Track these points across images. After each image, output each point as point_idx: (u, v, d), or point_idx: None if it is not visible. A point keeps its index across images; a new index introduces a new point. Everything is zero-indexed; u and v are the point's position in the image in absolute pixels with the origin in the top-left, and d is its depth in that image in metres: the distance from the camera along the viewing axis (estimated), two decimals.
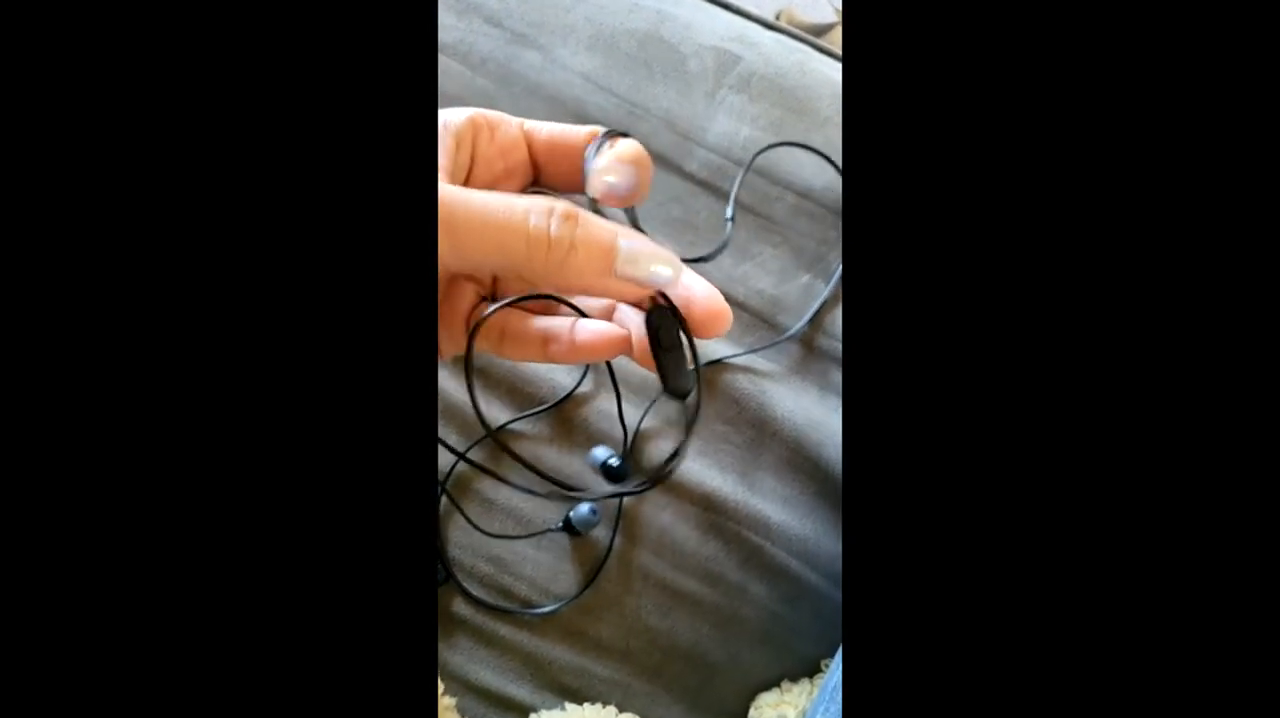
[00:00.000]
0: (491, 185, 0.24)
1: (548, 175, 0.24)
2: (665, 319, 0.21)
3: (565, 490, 0.23)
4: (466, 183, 0.23)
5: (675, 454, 0.23)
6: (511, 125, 0.24)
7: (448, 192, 0.19)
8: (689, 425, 0.22)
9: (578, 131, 0.24)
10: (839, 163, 0.50)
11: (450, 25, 0.50)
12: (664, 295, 0.21)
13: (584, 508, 0.45)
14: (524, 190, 0.25)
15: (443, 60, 0.50)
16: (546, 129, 0.24)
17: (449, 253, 0.19)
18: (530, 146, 0.24)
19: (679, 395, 0.21)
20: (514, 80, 0.50)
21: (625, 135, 0.23)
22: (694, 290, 0.22)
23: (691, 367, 0.21)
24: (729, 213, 0.47)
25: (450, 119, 0.23)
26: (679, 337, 0.21)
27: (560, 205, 0.19)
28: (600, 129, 0.24)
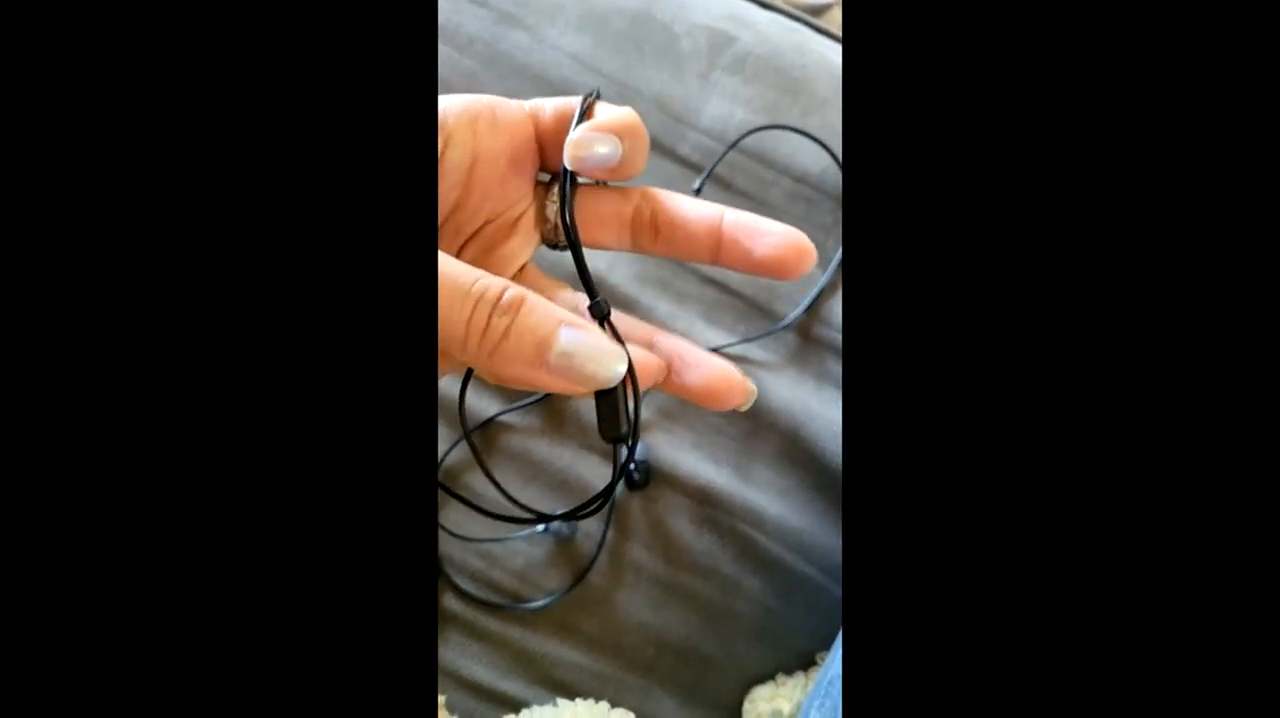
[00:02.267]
0: (500, 182, 0.22)
1: (557, 160, 0.22)
2: None
3: (523, 514, 0.23)
4: (469, 182, 0.22)
5: (606, 492, 0.22)
6: (512, 108, 0.22)
7: None
8: (618, 471, 0.21)
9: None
10: (828, 145, 0.48)
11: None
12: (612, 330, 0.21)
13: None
14: (535, 175, 0.23)
15: None
16: (552, 107, 0.22)
17: None
18: (537, 128, 0.22)
19: (612, 440, 0.20)
20: (501, 61, 0.48)
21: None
22: (700, 362, 0.22)
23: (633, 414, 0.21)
24: (696, 184, 0.46)
25: (445, 113, 0.21)
26: (619, 389, 0.20)
27: (510, 293, 0.18)
28: (591, 93, 0.22)
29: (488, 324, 0.18)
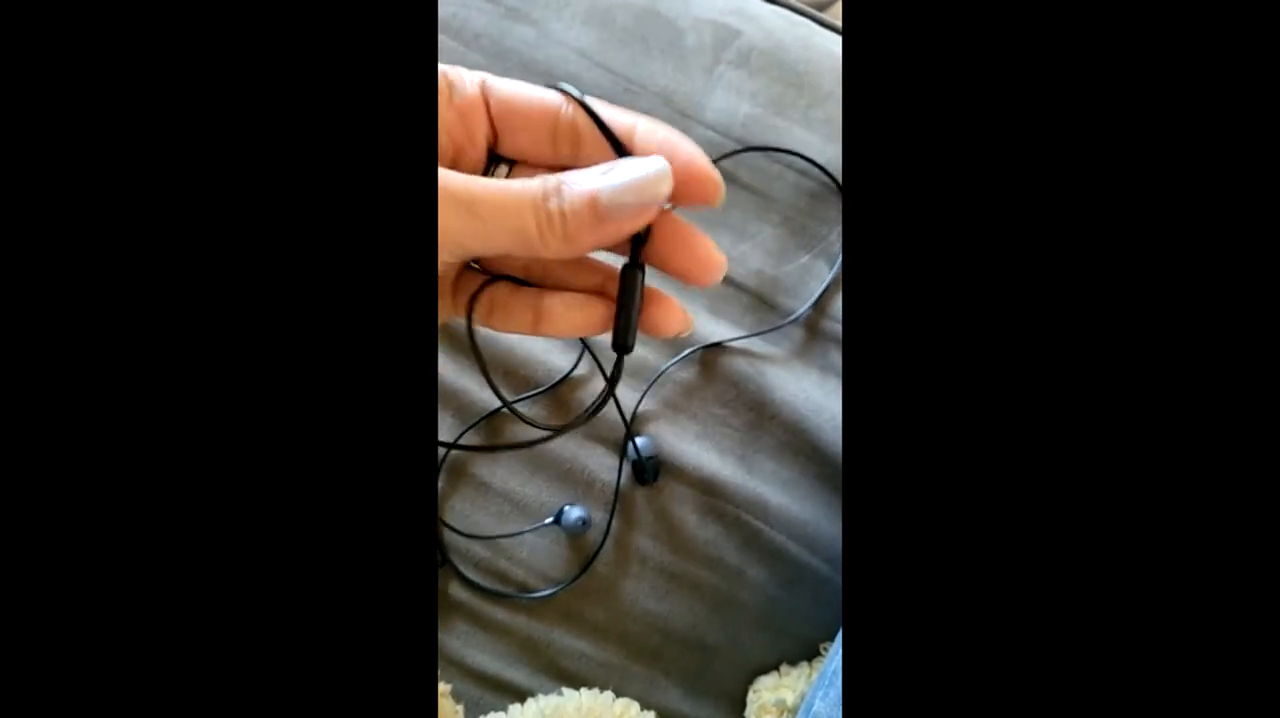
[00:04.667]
0: (454, 158, 0.22)
1: (505, 143, 0.23)
2: (631, 276, 0.22)
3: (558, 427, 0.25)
4: None
5: (605, 395, 0.24)
6: (468, 84, 0.22)
7: (473, 182, 0.20)
8: (612, 378, 0.24)
9: (540, 95, 0.22)
10: (815, 160, 0.48)
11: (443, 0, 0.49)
12: (638, 251, 0.22)
13: (573, 515, 0.44)
14: (485, 158, 0.23)
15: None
16: (504, 90, 0.22)
17: (475, 238, 0.20)
18: (487, 107, 0.22)
19: (624, 350, 0.23)
20: (507, 56, 0.49)
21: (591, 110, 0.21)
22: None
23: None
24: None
25: None
26: (639, 297, 0.22)
27: (550, 181, 0.20)
28: (568, 92, 0.21)
29: (548, 214, 0.20)
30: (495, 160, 0.23)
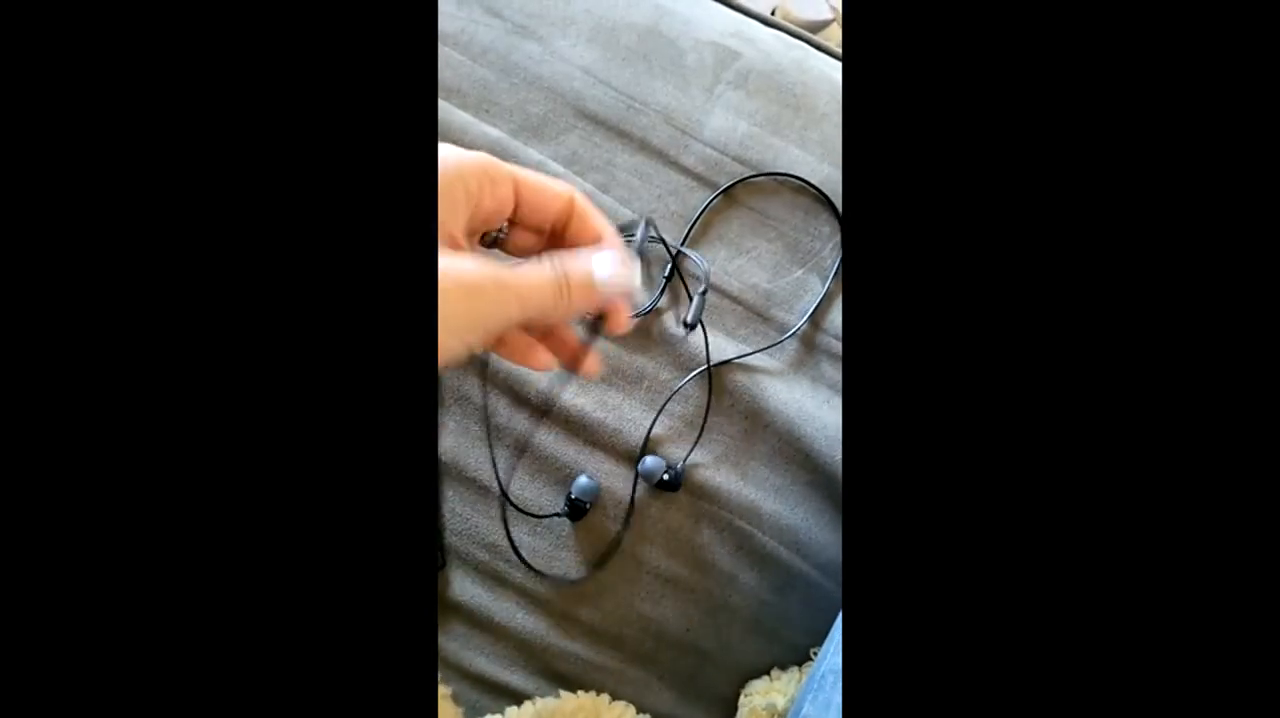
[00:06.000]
0: (486, 222, 0.30)
1: (520, 216, 0.30)
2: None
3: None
4: (474, 214, 0.28)
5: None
6: (505, 176, 0.29)
7: (516, 275, 0.26)
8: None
9: (553, 188, 0.30)
10: (809, 181, 0.50)
11: (450, 14, 0.50)
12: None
13: (583, 478, 0.46)
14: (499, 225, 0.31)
15: (443, 50, 0.50)
16: (531, 181, 0.29)
17: (521, 313, 0.27)
18: (516, 192, 0.29)
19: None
20: (514, 71, 0.50)
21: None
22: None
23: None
24: (705, 204, 0.47)
25: (464, 167, 0.27)
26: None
27: (559, 268, 0.27)
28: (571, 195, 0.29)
29: (560, 291, 0.27)
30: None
